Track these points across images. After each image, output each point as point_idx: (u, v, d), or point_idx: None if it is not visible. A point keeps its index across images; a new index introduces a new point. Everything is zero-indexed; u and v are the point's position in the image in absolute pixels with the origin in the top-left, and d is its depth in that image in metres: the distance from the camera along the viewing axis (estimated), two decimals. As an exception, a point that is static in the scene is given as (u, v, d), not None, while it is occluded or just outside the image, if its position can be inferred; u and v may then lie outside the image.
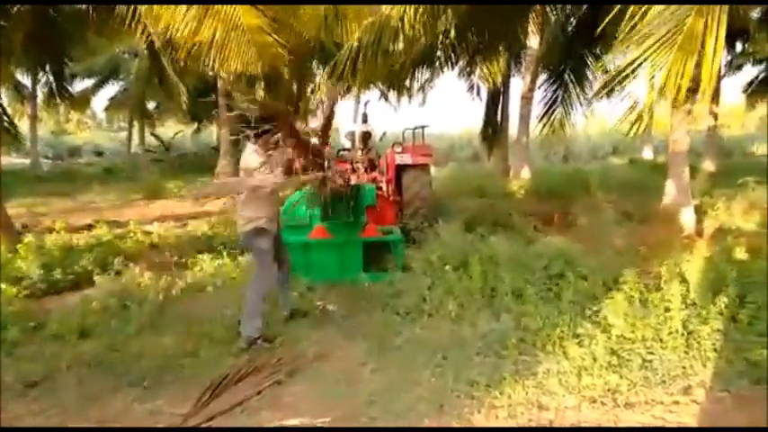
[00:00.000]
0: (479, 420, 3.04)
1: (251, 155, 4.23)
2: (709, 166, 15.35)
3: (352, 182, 7.45)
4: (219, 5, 6.95)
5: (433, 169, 8.24)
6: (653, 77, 4.71)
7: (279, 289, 4.66)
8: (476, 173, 14.74)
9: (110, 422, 3.06)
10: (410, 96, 17.42)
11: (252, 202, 4.25)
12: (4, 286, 5.08)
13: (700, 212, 8.15)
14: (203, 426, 3.00)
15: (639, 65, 4.65)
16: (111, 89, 21.17)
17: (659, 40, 4.48)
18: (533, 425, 2.99)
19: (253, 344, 4.09)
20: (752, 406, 3.14)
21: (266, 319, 4.35)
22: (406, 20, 6.71)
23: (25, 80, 18.15)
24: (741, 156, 21.21)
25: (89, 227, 8.34)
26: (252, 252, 4.57)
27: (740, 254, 5.07)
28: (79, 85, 19.73)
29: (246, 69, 7.51)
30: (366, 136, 8.42)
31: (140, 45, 12.42)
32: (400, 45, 7.26)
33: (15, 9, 7.80)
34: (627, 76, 4.80)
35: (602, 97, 10.64)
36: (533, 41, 11.12)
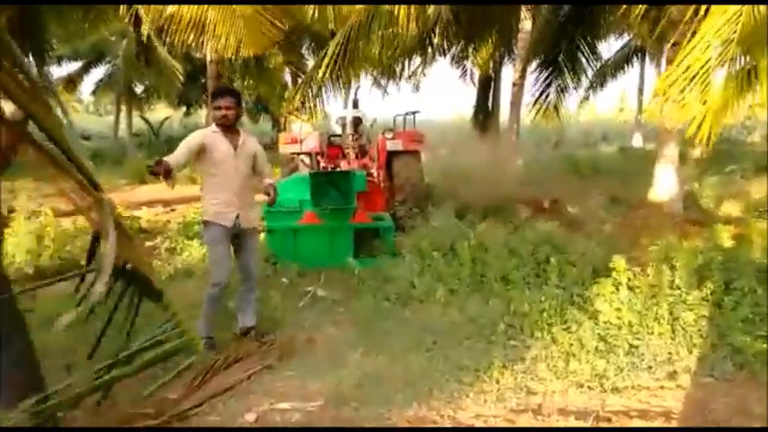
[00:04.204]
0: (468, 404, 3.07)
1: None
2: (698, 153, 15.44)
3: (343, 167, 7.44)
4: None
5: (423, 155, 8.22)
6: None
7: (238, 302, 4.07)
8: (467, 159, 14.74)
9: (98, 408, 3.05)
10: (402, 82, 17.37)
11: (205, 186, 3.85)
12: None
13: (688, 199, 8.22)
14: (195, 409, 3.00)
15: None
16: (99, 72, 20.85)
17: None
18: (521, 408, 3.03)
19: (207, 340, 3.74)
20: (736, 390, 3.20)
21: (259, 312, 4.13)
22: (398, 7, 6.68)
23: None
24: (730, 144, 21.31)
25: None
26: None
27: (726, 241, 5.13)
28: (66, 69, 19.38)
29: (244, 50, 7.45)
30: (357, 121, 8.37)
31: (128, 26, 12.24)
32: (393, 31, 7.22)
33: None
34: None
35: (596, 86, 10.60)
36: (526, 24, 11.09)
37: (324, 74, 6.97)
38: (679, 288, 3.94)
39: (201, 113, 24.50)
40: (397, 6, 6.73)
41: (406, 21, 6.82)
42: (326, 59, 6.93)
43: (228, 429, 2.90)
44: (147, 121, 22.40)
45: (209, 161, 3.73)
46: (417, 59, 11.06)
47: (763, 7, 4.18)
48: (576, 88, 8.77)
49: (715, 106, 4.33)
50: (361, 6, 7.09)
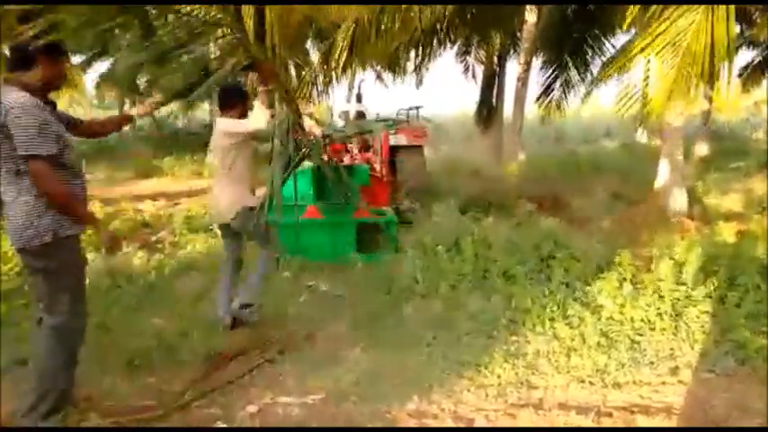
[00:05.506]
0: (469, 399, 3.07)
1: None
2: (702, 149, 15.39)
3: (346, 162, 7.44)
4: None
5: (426, 150, 8.23)
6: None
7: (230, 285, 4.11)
8: (470, 155, 14.76)
9: (100, 400, 3.07)
10: (406, 76, 17.29)
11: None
12: (-6, 264, 5.03)
13: (692, 195, 8.19)
14: (196, 402, 3.02)
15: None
16: (101, 66, 20.86)
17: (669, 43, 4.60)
18: (522, 403, 3.03)
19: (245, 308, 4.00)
20: (736, 386, 3.19)
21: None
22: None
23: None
24: (734, 140, 21.22)
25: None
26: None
27: (730, 237, 5.12)
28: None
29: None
30: (360, 116, 8.37)
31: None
32: (397, 25, 7.19)
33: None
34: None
35: (602, 81, 10.65)
36: (531, 17, 11.04)
37: (329, 66, 6.97)
38: (684, 284, 3.93)
39: (205, 107, 24.47)
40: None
41: (410, 16, 6.82)
42: (333, 52, 6.92)
43: (228, 429, 2.90)
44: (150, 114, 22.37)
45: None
46: (422, 53, 11.04)
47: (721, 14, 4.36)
48: (581, 83, 8.75)
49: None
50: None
